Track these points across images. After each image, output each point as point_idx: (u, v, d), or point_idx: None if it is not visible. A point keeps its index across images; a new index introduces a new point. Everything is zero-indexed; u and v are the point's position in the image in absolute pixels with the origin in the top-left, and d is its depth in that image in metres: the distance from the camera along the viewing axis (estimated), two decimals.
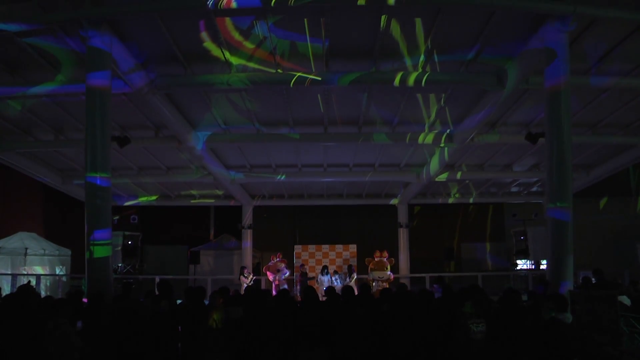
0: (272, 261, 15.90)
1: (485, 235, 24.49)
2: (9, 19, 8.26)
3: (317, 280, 15.39)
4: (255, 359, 5.50)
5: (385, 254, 15.56)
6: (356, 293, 8.20)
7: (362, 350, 5.26)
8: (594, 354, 6.18)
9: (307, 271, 16.36)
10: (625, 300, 8.16)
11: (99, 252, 8.21)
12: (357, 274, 15.51)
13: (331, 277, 15.20)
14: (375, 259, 15.45)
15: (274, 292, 14.60)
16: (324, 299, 7.74)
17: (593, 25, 8.79)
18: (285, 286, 15.04)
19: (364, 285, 8.19)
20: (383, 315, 5.82)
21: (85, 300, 7.49)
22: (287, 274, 15.73)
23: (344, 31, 9.05)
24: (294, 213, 24.34)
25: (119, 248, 18.93)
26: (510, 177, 18.34)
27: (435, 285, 8.44)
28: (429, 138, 13.35)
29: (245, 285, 14.45)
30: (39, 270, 16.46)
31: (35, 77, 10.37)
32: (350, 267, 15.80)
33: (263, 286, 17.61)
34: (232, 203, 21.20)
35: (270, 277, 15.60)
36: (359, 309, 6.00)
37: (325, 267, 15.71)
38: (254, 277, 16.30)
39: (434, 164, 15.75)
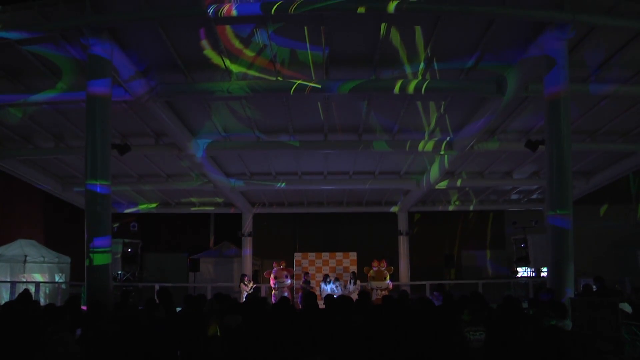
0: (275, 268, 15.84)
1: (486, 243, 24.43)
2: (11, 27, 8.32)
3: (319, 289, 15.33)
4: None
5: (384, 263, 15.49)
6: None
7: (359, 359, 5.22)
8: None
9: (310, 279, 16.25)
10: (626, 307, 8.11)
11: (99, 259, 8.20)
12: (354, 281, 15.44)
13: (333, 285, 15.15)
14: (374, 269, 15.38)
15: (273, 300, 14.56)
16: (323, 307, 7.71)
17: (592, 33, 8.83)
18: (286, 294, 14.98)
19: (362, 292, 8.17)
20: (381, 323, 5.78)
21: (84, 307, 7.46)
22: (289, 282, 15.68)
23: (344, 39, 9.09)
24: (294, 221, 24.31)
25: (119, 255, 18.86)
26: (511, 185, 18.34)
27: (435, 293, 8.40)
28: (429, 146, 13.37)
29: (245, 293, 14.40)
30: (38, 277, 16.39)
31: (36, 85, 10.40)
32: (353, 273, 15.74)
33: (263, 293, 17.55)
34: (232, 210, 21.18)
35: (272, 283, 15.59)
36: (356, 317, 5.97)
37: (327, 276, 15.65)
38: (254, 285, 16.24)
39: (434, 171, 15.75)
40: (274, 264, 15.98)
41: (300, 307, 8.95)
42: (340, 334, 5.41)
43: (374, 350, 5.17)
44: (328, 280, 15.35)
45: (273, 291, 15.52)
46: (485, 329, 4.94)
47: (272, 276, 15.60)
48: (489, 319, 5.65)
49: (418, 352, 5.10)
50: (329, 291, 14.65)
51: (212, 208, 21.58)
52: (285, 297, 9.12)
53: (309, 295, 7.25)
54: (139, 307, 7.87)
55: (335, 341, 5.31)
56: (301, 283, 15.74)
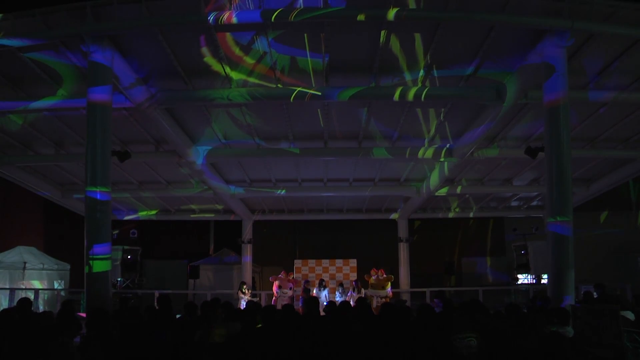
0: (282, 275, 15.88)
1: (486, 250, 24.40)
2: (12, 35, 8.35)
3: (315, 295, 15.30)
4: None
5: (382, 272, 15.49)
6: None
7: None
8: None
9: (310, 287, 16.25)
10: (629, 315, 8.08)
11: (98, 266, 8.18)
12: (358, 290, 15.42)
13: (328, 293, 15.14)
14: (373, 277, 15.38)
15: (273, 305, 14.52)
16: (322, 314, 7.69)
17: (591, 40, 8.86)
18: (284, 302, 14.94)
19: (359, 299, 8.14)
20: (378, 330, 5.75)
21: (82, 314, 7.42)
22: (290, 293, 15.67)
23: (344, 46, 9.12)
24: (294, 228, 24.28)
25: (118, 262, 18.81)
26: (511, 192, 18.33)
27: (436, 300, 8.38)
28: (429, 153, 13.37)
29: (243, 300, 14.35)
30: (37, 284, 16.36)
31: (36, 92, 10.43)
32: (356, 282, 15.73)
33: (263, 302, 17.50)
34: (232, 217, 21.15)
35: (275, 288, 15.58)
36: (354, 325, 5.95)
37: (322, 281, 15.61)
38: (252, 296, 16.20)
39: (434, 178, 15.75)
40: (282, 273, 16.03)
41: (302, 312, 8.92)
42: (339, 341, 5.39)
43: (370, 357, 5.15)
44: (323, 285, 15.29)
45: (274, 297, 15.52)
46: (477, 335, 4.86)
47: (276, 283, 15.61)
48: (486, 325, 5.61)
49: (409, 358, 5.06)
50: (322, 298, 14.58)
51: (212, 215, 21.55)
52: (288, 304, 9.11)
53: (311, 300, 7.22)
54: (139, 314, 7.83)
55: (333, 348, 5.29)
56: (301, 292, 15.71)
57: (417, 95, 9.94)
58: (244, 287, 15.21)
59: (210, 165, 14.83)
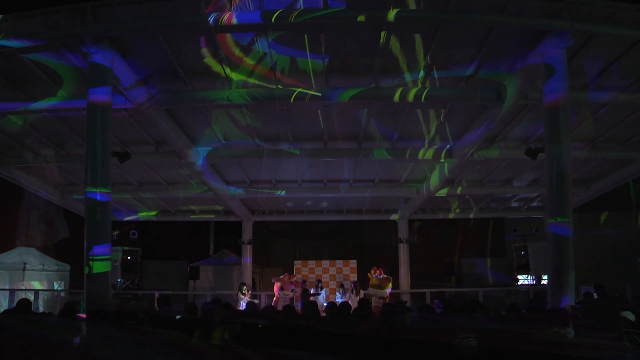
0: (284, 277, 15.88)
1: (486, 251, 24.37)
2: (13, 35, 8.36)
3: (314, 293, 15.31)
4: None
5: (380, 271, 15.52)
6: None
7: None
8: None
9: (308, 287, 16.28)
10: (629, 315, 8.08)
11: (98, 267, 8.18)
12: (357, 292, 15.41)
13: (325, 293, 15.15)
14: (373, 276, 15.41)
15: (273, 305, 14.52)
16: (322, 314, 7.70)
17: (591, 41, 8.86)
18: (285, 304, 14.94)
19: (361, 300, 8.15)
20: (377, 331, 5.76)
21: (82, 315, 7.42)
22: (291, 295, 15.69)
23: (344, 47, 9.12)
24: (294, 229, 24.29)
25: (118, 263, 18.83)
26: (511, 192, 18.33)
27: (436, 301, 8.39)
28: (429, 153, 13.37)
29: (243, 301, 14.34)
30: (37, 285, 16.35)
31: (37, 93, 10.43)
32: (355, 283, 15.75)
33: (263, 302, 17.50)
34: (232, 218, 21.15)
35: (276, 289, 15.58)
36: (355, 325, 5.95)
37: (319, 282, 15.59)
38: (252, 298, 16.21)
39: (434, 179, 15.75)
40: (285, 275, 16.03)
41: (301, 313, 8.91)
42: (339, 341, 5.39)
43: (370, 357, 5.14)
44: (320, 286, 15.26)
45: (275, 298, 15.53)
46: (477, 336, 4.86)
47: (278, 284, 15.61)
48: (486, 325, 5.61)
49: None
50: (321, 299, 14.58)
51: (212, 216, 21.56)
52: (289, 305, 9.11)
53: (311, 304, 7.22)
54: (140, 315, 7.83)
55: (332, 349, 5.29)
56: (300, 292, 15.72)
57: (417, 96, 9.93)
58: (244, 288, 15.19)
59: (210, 166, 14.83)
